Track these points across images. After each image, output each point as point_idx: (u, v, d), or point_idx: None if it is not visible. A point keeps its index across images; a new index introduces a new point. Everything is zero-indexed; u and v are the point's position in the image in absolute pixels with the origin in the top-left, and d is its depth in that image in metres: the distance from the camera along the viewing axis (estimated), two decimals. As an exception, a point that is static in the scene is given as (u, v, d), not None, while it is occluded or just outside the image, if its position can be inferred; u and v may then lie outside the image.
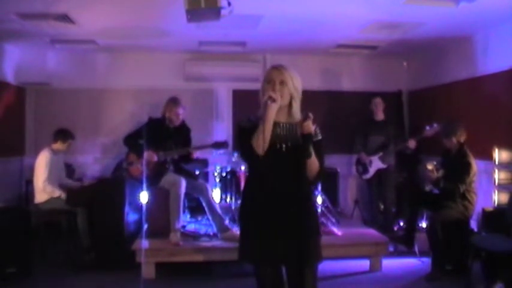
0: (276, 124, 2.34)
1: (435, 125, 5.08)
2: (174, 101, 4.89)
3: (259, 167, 2.31)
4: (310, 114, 2.31)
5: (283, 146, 2.35)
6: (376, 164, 5.68)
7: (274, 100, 2.28)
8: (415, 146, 5.36)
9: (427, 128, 5.14)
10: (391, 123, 5.86)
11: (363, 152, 5.78)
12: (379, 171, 5.69)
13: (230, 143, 5.67)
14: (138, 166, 4.72)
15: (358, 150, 5.86)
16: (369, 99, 5.88)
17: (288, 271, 2.42)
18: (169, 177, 4.68)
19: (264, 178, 2.30)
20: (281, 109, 2.36)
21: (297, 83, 2.39)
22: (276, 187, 2.31)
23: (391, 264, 4.56)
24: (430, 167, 4.42)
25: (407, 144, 5.37)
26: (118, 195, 4.63)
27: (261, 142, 2.25)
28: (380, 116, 5.80)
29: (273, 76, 2.37)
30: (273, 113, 2.28)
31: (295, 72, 2.40)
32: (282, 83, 2.35)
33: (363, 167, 5.82)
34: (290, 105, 2.39)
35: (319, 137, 2.42)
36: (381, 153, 5.66)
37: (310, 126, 2.28)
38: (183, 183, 4.61)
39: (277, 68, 2.40)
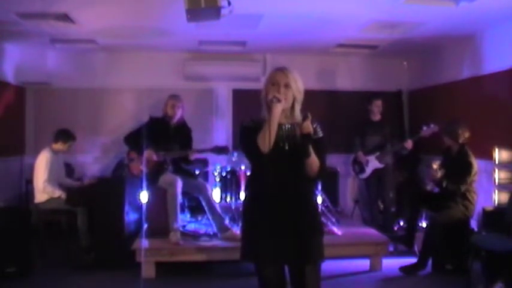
0: (278, 125, 2.35)
1: (432, 125, 5.09)
2: (173, 97, 4.94)
3: (263, 166, 2.32)
4: (309, 115, 2.33)
5: (286, 146, 2.37)
6: (373, 163, 5.68)
7: (279, 100, 2.30)
8: (412, 146, 5.36)
9: (424, 128, 5.14)
10: (388, 124, 5.87)
11: (360, 151, 5.79)
12: (377, 171, 5.69)
13: (230, 145, 5.67)
14: (138, 164, 4.73)
15: (356, 150, 5.87)
16: (369, 99, 5.88)
17: (291, 270, 2.43)
18: (167, 177, 4.68)
19: (266, 177, 2.30)
20: (283, 111, 2.38)
21: (300, 85, 2.42)
22: (278, 186, 2.32)
23: (391, 264, 4.55)
24: (435, 166, 4.43)
25: (405, 145, 5.37)
26: (118, 195, 4.63)
27: (267, 140, 2.25)
28: (377, 116, 5.82)
29: (278, 79, 2.39)
30: (278, 112, 2.30)
31: (297, 75, 2.43)
32: (287, 86, 2.37)
33: (359, 167, 5.83)
34: (292, 107, 2.42)
35: (320, 135, 2.43)
36: (377, 153, 5.66)
37: (309, 126, 2.30)
38: (179, 183, 4.61)
39: (282, 70, 2.42)
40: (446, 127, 4.65)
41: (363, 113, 5.89)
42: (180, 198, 4.65)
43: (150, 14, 4.53)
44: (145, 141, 4.67)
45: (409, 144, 5.35)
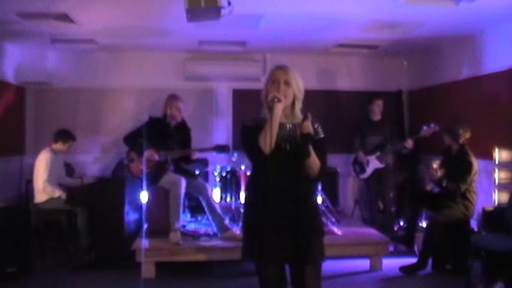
0: (280, 125, 2.35)
1: (432, 125, 5.08)
2: (173, 97, 4.94)
3: (264, 167, 2.31)
4: (309, 115, 2.33)
5: (287, 146, 2.36)
6: (373, 163, 5.68)
7: (279, 100, 2.29)
8: (412, 146, 5.37)
9: (424, 127, 5.14)
10: (388, 123, 5.88)
11: (360, 151, 5.78)
12: (377, 171, 5.69)
13: (230, 144, 5.68)
14: (138, 164, 4.73)
15: (356, 149, 5.87)
16: (369, 99, 5.88)
17: (291, 270, 2.43)
18: (170, 177, 4.68)
19: (267, 177, 2.29)
20: (284, 109, 2.37)
21: (300, 83, 2.42)
22: (280, 186, 2.31)
23: (391, 264, 4.56)
24: (435, 165, 4.44)
25: (405, 144, 5.38)
26: (118, 195, 4.63)
27: (268, 141, 2.25)
28: (378, 116, 5.82)
29: (278, 76, 2.38)
30: (279, 112, 2.30)
31: (297, 73, 2.43)
32: (287, 83, 2.37)
33: (360, 167, 5.83)
34: (293, 105, 2.41)
35: (321, 136, 2.42)
36: (378, 153, 5.66)
37: (309, 126, 2.30)
38: (183, 183, 4.62)
39: (282, 68, 2.42)
40: (447, 127, 4.66)
41: (364, 113, 5.90)
42: (182, 198, 4.65)
43: (150, 14, 4.53)
44: (145, 141, 4.67)
45: (409, 143, 5.36)
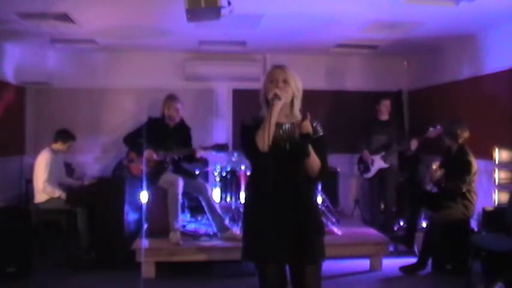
0: (278, 125, 2.35)
1: (438, 127, 5.06)
2: (171, 97, 4.92)
3: (263, 166, 2.31)
4: (308, 114, 2.33)
5: (287, 145, 2.36)
6: (378, 163, 5.68)
7: (279, 98, 2.29)
8: (416, 147, 5.36)
9: (431, 129, 5.13)
10: (394, 124, 5.87)
11: (366, 151, 5.78)
12: (380, 171, 5.69)
13: (230, 144, 5.68)
14: (138, 164, 4.73)
15: (361, 148, 5.86)
16: (377, 99, 5.87)
17: (291, 270, 2.42)
18: (167, 177, 4.68)
19: (267, 177, 2.29)
20: (283, 109, 2.37)
21: (298, 82, 2.42)
22: (279, 186, 2.31)
23: (391, 264, 4.56)
24: (434, 166, 4.45)
25: (410, 145, 5.35)
26: (118, 195, 4.63)
27: (266, 138, 2.24)
28: (385, 116, 5.82)
29: (276, 75, 2.39)
30: (277, 110, 2.30)
31: (295, 73, 2.43)
32: (285, 81, 2.37)
33: (364, 166, 5.82)
34: (292, 104, 2.41)
35: (320, 134, 2.42)
36: (383, 153, 5.66)
37: (308, 126, 2.29)
38: (180, 182, 4.61)
39: (280, 67, 2.42)
40: (446, 127, 4.66)
41: (371, 113, 5.89)
42: (180, 198, 4.65)
43: (150, 14, 4.53)
44: (144, 141, 4.67)
45: (414, 144, 5.32)
